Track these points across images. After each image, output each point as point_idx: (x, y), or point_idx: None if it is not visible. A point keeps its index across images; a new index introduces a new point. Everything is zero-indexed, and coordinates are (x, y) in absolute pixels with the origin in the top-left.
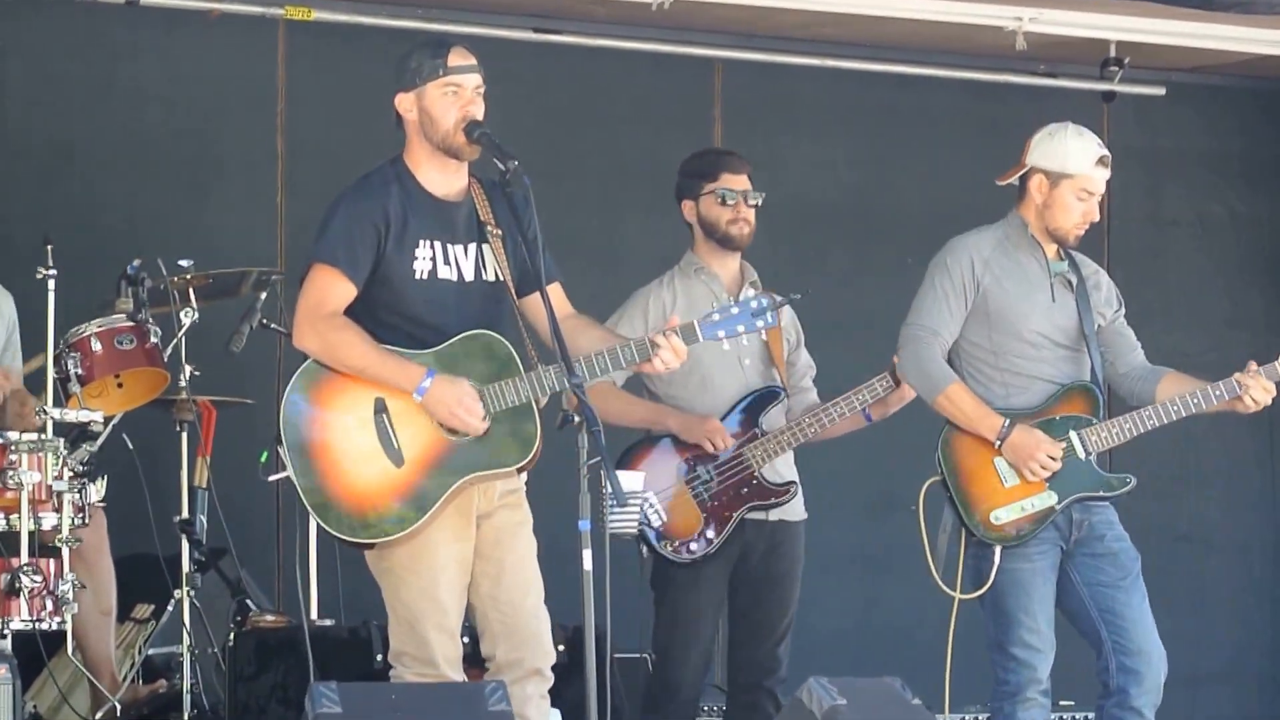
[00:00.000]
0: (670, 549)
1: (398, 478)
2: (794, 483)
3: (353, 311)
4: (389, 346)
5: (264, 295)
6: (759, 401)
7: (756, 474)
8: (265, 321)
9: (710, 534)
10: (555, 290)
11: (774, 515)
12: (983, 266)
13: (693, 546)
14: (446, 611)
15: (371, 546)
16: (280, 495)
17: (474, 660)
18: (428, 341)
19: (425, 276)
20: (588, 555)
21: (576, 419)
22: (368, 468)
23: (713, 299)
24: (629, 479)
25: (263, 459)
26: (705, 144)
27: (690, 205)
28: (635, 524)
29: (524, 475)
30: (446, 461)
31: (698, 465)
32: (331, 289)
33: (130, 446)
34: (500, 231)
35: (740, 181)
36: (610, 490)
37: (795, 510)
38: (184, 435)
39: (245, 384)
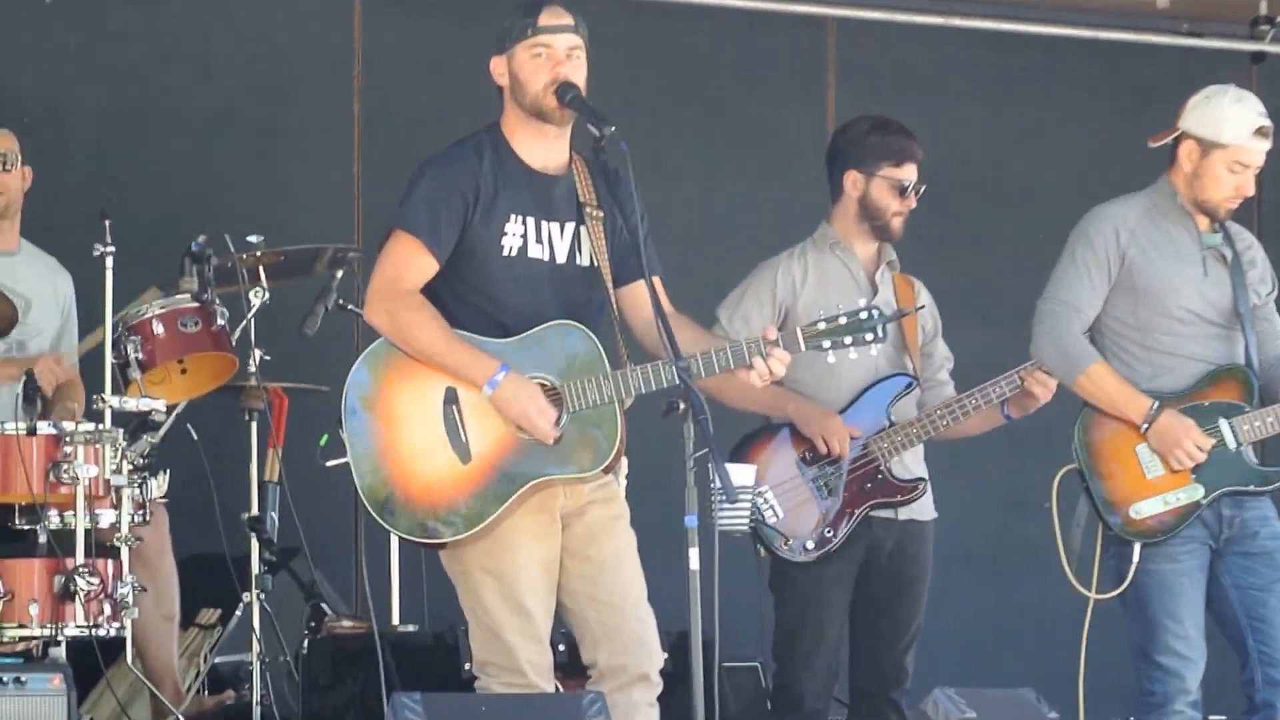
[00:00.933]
0: (787, 547)
1: (463, 475)
2: (923, 479)
3: (431, 287)
4: (465, 333)
5: (340, 274)
6: (887, 389)
7: (883, 468)
8: (341, 302)
9: (830, 532)
10: (655, 283)
11: (903, 514)
12: (1128, 237)
13: (809, 545)
14: (530, 616)
15: (442, 546)
16: (358, 489)
17: (573, 670)
18: (509, 327)
19: (514, 254)
20: (694, 554)
21: (682, 406)
22: (431, 461)
23: (849, 277)
24: (739, 472)
25: (322, 442)
26: (819, 110)
27: (857, 178)
28: (746, 520)
29: (623, 469)
30: (516, 462)
31: (819, 457)
32: (411, 261)
33: (195, 437)
34: (601, 213)
35: (915, 173)
36: (719, 484)
37: (925, 509)
38: (253, 425)
39: (319, 369)
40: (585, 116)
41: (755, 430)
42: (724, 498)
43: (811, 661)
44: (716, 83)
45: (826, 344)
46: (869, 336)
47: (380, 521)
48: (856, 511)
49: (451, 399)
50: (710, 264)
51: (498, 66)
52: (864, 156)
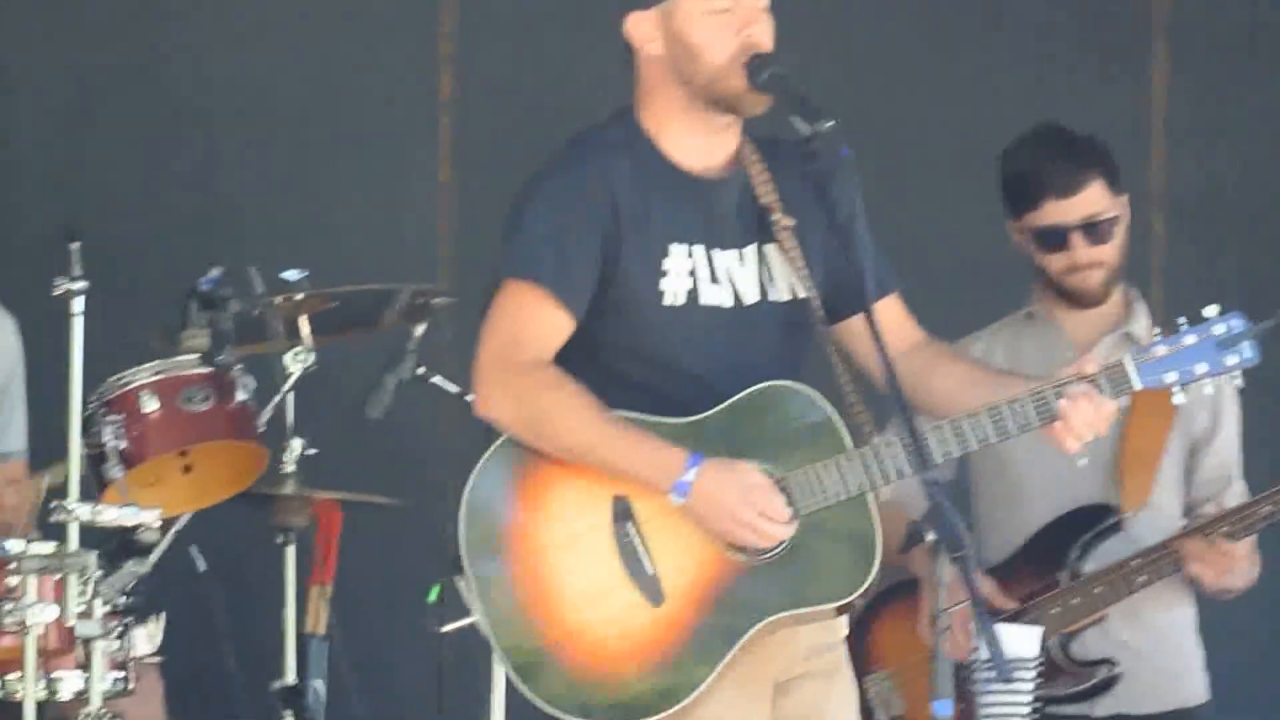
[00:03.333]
0: None
1: (656, 624)
2: (1107, 662)
3: (564, 356)
4: (627, 413)
5: (420, 329)
6: (1077, 529)
7: (1051, 644)
8: (423, 372)
9: None
10: (891, 306)
11: (1102, 709)
12: None
13: None
14: None
15: None
16: (450, 653)
17: None
18: (689, 404)
19: (681, 301)
20: None
21: (930, 535)
22: (606, 607)
23: (1049, 360)
24: (1018, 637)
25: (431, 597)
26: (1138, 87)
27: (1013, 226)
28: (1026, 708)
29: (845, 618)
30: (732, 596)
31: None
32: (533, 320)
33: (202, 568)
34: (792, 221)
35: (1080, 205)
36: (985, 652)
37: (1145, 699)
38: (289, 551)
39: (390, 471)
40: (789, 105)
41: (899, 581)
42: (993, 673)
43: None
44: (970, 47)
45: (1171, 378)
46: (1231, 360)
47: (534, 701)
48: None
49: (623, 514)
50: (951, 317)
51: (641, 26)
52: (1003, 198)
